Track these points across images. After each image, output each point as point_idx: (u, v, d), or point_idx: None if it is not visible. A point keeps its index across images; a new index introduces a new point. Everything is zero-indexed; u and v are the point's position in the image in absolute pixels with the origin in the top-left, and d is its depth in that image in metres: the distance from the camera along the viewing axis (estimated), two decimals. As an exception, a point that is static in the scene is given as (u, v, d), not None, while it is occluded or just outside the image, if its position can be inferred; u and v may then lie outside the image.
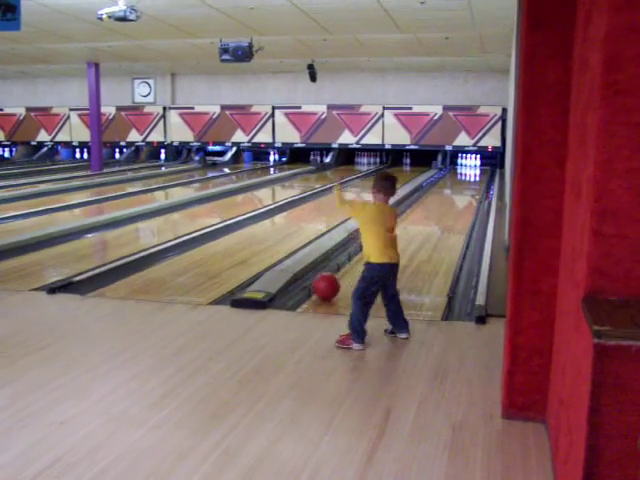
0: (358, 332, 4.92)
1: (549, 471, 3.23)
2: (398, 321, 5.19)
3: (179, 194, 15.82)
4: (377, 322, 5.58)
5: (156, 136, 25.33)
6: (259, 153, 25.67)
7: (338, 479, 3.16)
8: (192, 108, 24.75)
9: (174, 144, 25.40)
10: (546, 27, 3.44)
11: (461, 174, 21.93)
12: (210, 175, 20.66)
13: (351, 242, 9.09)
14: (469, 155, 23.21)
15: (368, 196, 15.67)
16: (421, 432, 3.62)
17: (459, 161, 23.41)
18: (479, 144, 22.37)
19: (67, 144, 26.45)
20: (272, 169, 22.98)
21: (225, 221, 11.12)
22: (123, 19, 10.78)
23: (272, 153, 25.62)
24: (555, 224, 3.51)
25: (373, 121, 23.22)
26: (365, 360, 4.74)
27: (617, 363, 2.25)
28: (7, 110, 26.40)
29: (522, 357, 3.71)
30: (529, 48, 3.50)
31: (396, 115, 22.94)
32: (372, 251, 5.01)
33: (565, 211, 3.42)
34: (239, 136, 24.58)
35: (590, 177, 2.57)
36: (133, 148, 25.87)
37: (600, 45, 2.50)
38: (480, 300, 6.10)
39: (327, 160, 24.07)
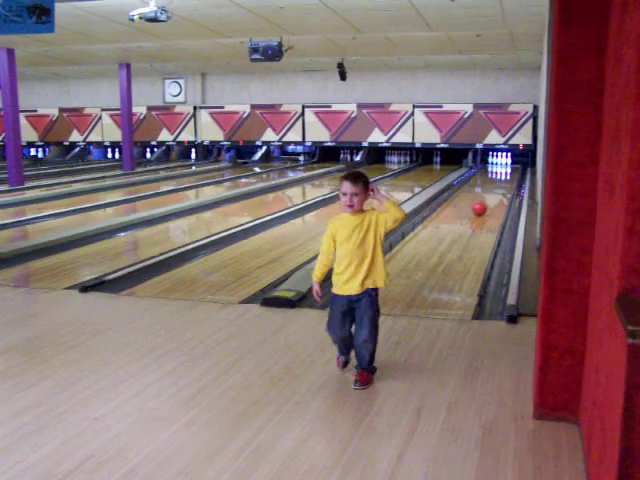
0: (372, 360, 4.35)
1: (582, 472, 3.19)
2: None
3: (210, 193, 15.91)
4: (407, 320, 5.56)
5: (187, 135, 25.50)
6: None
7: (368, 479, 3.16)
8: (222, 107, 24.88)
9: (204, 143, 25.54)
10: (579, 23, 3.40)
11: (492, 172, 21.77)
12: (240, 174, 20.74)
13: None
14: (500, 153, 23.05)
15: (399, 195, 15.47)
16: (452, 432, 3.60)
17: (490, 159, 23.25)
18: (510, 142, 22.19)
19: (99, 144, 26.73)
20: (302, 167, 23.01)
21: (255, 220, 11.16)
22: (154, 20, 10.89)
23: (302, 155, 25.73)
24: (588, 222, 3.47)
25: (403, 119, 23.14)
26: (395, 360, 4.72)
27: (652, 364, 2.21)
28: (40, 111, 26.75)
29: (554, 357, 3.67)
30: (561, 45, 3.46)
31: (426, 113, 22.84)
32: (384, 274, 4.28)
33: (598, 209, 3.38)
34: (269, 135, 24.64)
35: (624, 175, 2.54)
36: (164, 148, 26.08)
37: (635, 40, 2.46)
38: (511, 299, 6.05)
39: (357, 159, 24.05)
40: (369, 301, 4.21)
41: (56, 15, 8.14)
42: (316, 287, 4.38)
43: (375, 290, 4.24)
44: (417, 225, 10.61)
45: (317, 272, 4.37)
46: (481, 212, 11.67)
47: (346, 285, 4.20)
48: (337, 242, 4.22)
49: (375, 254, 4.18)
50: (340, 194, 4.19)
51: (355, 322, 4.27)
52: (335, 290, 4.27)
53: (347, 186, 4.12)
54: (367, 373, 4.27)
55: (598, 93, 3.37)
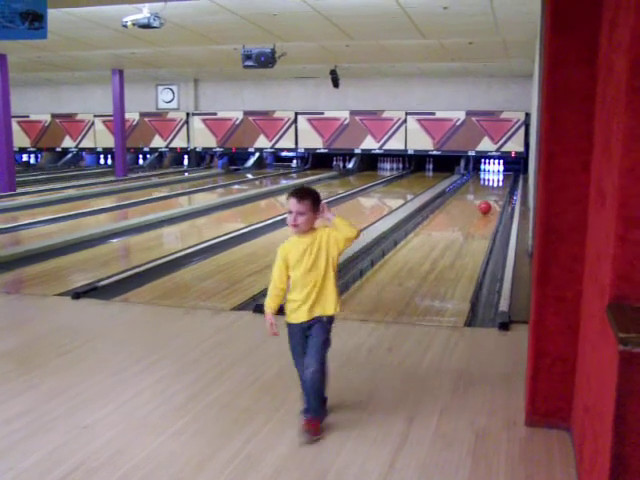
0: (323, 402, 3.80)
1: (574, 479, 3.20)
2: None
3: (202, 199, 15.90)
4: (399, 327, 5.57)
5: (179, 142, 25.48)
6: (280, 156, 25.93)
7: (360, 486, 3.15)
8: (215, 114, 24.87)
9: (197, 150, 25.53)
10: (570, 31, 3.41)
11: (484, 180, 21.82)
12: (233, 181, 20.73)
13: (374, 248, 9.08)
14: (492, 160, 23.10)
15: (391, 202, 15.53)
16: (443, 439, 3.60)
17: (482, 166, 23.29)
18: (502, 149, 22.24)
19: (91, 150, 26.68)
20: (295, 174, 23.02)
21: (248, 226, 11.15)
22: (147, 26, 10.90)
23: (295, 160, 25.73)
24: (579, 230, 3.48)
25: (396, 126, 23.18)
26: (387, 367, 4.72)
27: (643, 371, 2.22)
28: (33, 117, 26.69)
29: (546, 364, 3.67)
30: (553, 53, 3.48)
31: (419, 120, 22.89)
32: (336, 300, 3.77)
33: (590, 217, 3.39)
34: (262, 142, 24.65)
35: (615, 183, 2.55)
36: (157, 154, 26.03)
37: (626, 49, 2.48)
38: (503, 306, 6.06)
39: (350, 166, 24.07)
40: (320, 327, 3.71)
41: (49, 21, 8.13)
42: (269, 318, 3.79)
43: (328, 317, 3.75)
44: (409, 232, 10.62)
45: (269, 301, 3.84)
46: (486, 210, 12.83)
47: (296, 312, 3.74)
48: (289, 268, 3.77)
49: (325, 278, 3.70)
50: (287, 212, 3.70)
51: (306, 351, 3.73)
52: (287, 318, 3.81)
53: (292, 203, 3.65)
54: (317, 420, 3.68)
55: (589, 101, 3.39)
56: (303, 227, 3.67)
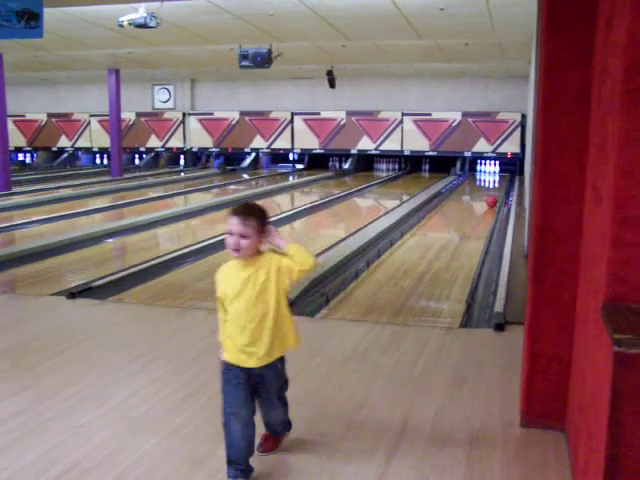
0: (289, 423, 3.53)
1: (568, 480, 3.20)
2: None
3: (198, 199, 15.88)
4: (394, 328, 5.57)
5: (175, 142, 25.45)
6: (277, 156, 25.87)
7: (355, 486, 3.15)
8: (211, 114, 24.85)
9: (193, 150, 25.50)
10: (566, 33, 3.42)
11: (480, 180, 21.84)
12: (229, 181, 20.71)
13: (370, 248, 9.08)
14: (488, 161, 23.12)
15: (387, 203, 15.53)
16: (438, 440, 3.60)
17: (478, 167, 23.31)
18: (498, 150, 22.27)
19: (87, 150, 26.64)
20: (291, 175, 23.01)
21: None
22: (143, 26, 10.89)
23: (291, 159, 25.72)
24: (575, 230, 3.49)
25: (392, 127, 23.19)
26: (383, 367, 4.72)
27: (638, 372, 2.22)
28: (29, 116, 26.63)
29: (541, 364, 3.68)
30: (549, 54, 3.49)
31: (415, 121, 22.90)
32: (294, 332, 3.27)
33: (585, 218, 3.40)
34: (258, 142, 24.64)
35: (610, 184, 2.55)
36: (153, 154, 26.00)
37: (621, 50, 2.48)
38: (499, 307, 6.06)
39: (346, 166, 24.07)
40: (274, 374, 3.23)
41: (45, 20, 8.12)
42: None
43: (282, 360, 3.26)
44: (405, 233, 10.62)
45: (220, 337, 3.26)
46: (493, 204, 13.80)
47: (244, 354, 3.13)
48: (227, 299, 3.12)
49: (279, 312, 3.12)
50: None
51: (259, 400, 3.28)
52: (228, 357, 3.18)
53: (233, 224, 3.04)
54: (279, 437, 3.50)
55: (585, 102, 3.39)
56: (246, 251, 3.07)
